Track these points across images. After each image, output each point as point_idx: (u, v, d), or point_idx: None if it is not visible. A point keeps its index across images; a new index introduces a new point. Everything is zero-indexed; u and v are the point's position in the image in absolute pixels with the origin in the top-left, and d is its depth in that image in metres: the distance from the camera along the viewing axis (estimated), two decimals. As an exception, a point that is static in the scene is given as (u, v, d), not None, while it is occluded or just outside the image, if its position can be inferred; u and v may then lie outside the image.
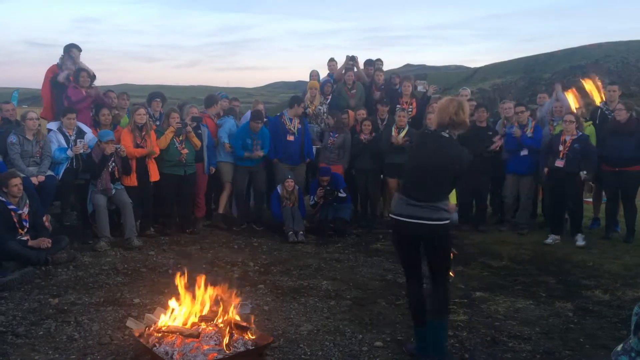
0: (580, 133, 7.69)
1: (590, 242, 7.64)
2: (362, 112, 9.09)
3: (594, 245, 7.62)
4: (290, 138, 8.67)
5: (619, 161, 7.64)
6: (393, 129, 8.57)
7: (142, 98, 10.29)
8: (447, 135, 3.92)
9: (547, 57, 48.98)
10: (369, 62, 10.60)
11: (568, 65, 43.07)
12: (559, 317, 4.95)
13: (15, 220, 6.08)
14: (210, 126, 8.57)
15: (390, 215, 4.19)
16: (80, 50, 8.63)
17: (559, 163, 7.65)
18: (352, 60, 10.40)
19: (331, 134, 8.95)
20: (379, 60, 10.78)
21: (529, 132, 8.31)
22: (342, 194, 8.25)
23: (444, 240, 3.96)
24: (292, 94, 10.46)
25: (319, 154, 9.09)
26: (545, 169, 7.90)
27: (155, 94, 8.94)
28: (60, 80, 8.36)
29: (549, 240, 7.78)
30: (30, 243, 6.07)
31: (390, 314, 4.95)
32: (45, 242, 6.12)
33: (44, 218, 6.50)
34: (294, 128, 8.69)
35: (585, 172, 7.51)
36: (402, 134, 8.48)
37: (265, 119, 8.73)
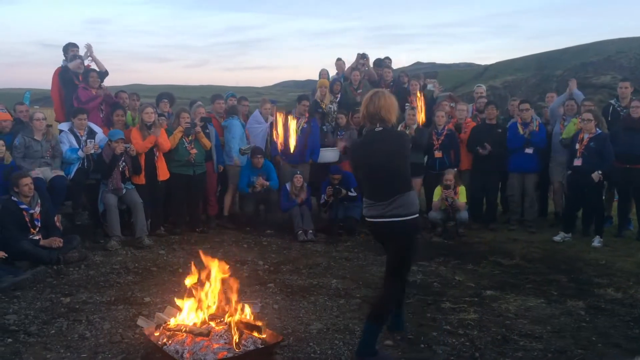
0: (599, 131, 7.52)
1: (602, 240, 7.57)
2: None
3: (606, 243, 7.54)
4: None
5: (631, 158, 7.55)
6: (400, 126, 8.52)
7: (152, 98, 10.36)
8: (380, 129, 3.89)
9: (559, 53, 48.69)
10: (378, 63, 10.58)
11: (579, 62, 42.77)
12: (571, 316, 4.90)
13: (27, 219, 6.13)
14: (216, 126, 8.60)
15: None
16: (77, 47, 8.71)
17: (577, 162, 7.56)
18: (363, 58, 10.37)
19: (339, 132, 8.95)
20: (387, 58, 10.77)
21: (534, 130, 8.28)
22: (353, 193, 8.23)
23: (394, 239, 3.90)
24: (302, 92, 10.47)
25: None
26: (569, 172, 7.80)
27: (163, 95, 8.99)
28: (71, 67, 8.42)
29: (557, 238, 7.73)
30: (42, 242, 6.12)
31: (400, 312, 4.93)
32: (57, 242, 6.17)
33: (55, 218, 6.54)
34: (299, 128, 8.67)
35: (600, 172, 7.39)
36: (409, 132, 8.43)
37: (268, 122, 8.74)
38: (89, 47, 8.68)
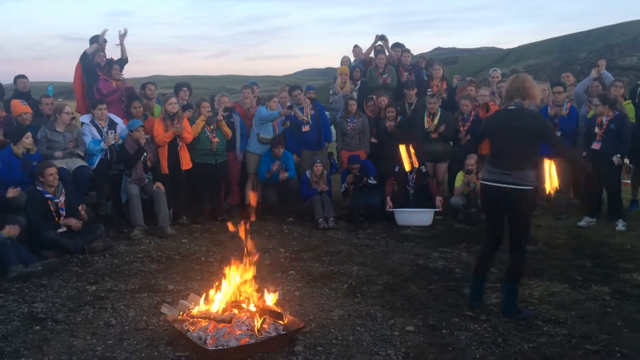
0: (617, 112, 7.39)
1: (628, 224, 7.43)
2: (384, 99, 8.97)
3: (632, 227, 7.40)
4: (306, 129, 8.64)
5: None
6: (425, 116, 8.45)
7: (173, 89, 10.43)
8: (513, 107, 4.42)
9: (583, 36, 47.69)
10: (396, 45, 10.49)
11: (604, 44, 41.84)
12: (596, 301, 4.83)
13: (52, 208, 6.25)
14: (241, 114, 8.64)
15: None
16: (105, 41, 8.81)
17: (595, 145, 7.42)
18: (381, 39, 10.25)
19: (349, 119, 8.86)
20: (402, 45, 10.65)
21: (564, 113, 8.13)
22: (372, 181, 8.21)
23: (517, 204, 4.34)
24: (322, 80, 10.46)
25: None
26: (584, 153, 7.65)
27: (182, 84, 9.06)
28: (88, 52, 8.52)
29: (582, 223, 7.61)
30: (61, 222, 6.28)
31: (421, 298, 4.92)
32: (73, 222, 6.33)
33: (80, 208, 6.64)
34: (307, 116, 8.65)
35: (618, 156, 7.25)
36: (435, 121, 8.37)
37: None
38: (124, 32, 8.86)
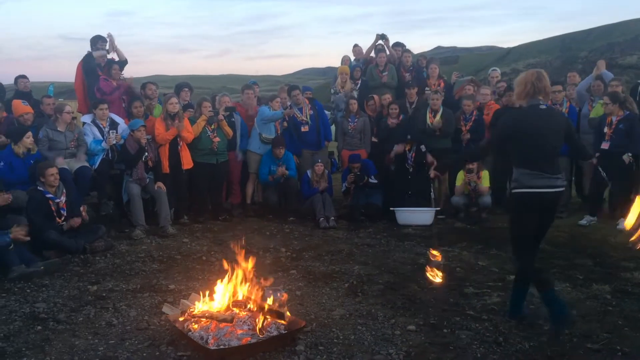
0: (628, 112, 7.38)
1: (630, 224, 7.42)
2: (388, 97, 8.98)
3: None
4: (305, 129, 8.66)
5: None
6: (427, 112, 8.46)
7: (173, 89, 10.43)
8: (544, 106, 4.12)
9: (584, 34, 47.65)
10: (397, 44, 10.50)
11: (605, 43, 41.80)
12: (597, 300, 4.84)
13: (53, 209, 6.26)
14: (242, 114, 8.65)
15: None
16: (106, 42, 8.79)
17: (604, 145, 7.42)
18: (382, 38, 10.26)
19: (350, 119, 8.87)
20: (403, 44, 10.66)
21: (564, 112, 8.13)
22: (373, 180, 8.22)
23: (555, 207, 4.27)
24: (322, 80, 10.47)
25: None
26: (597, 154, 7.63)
27: (183, 84, 9.06)
28: (95, 56, 8.51)
29: (583, 222, 7.62)
30: (65, 227, 6.27)
31: (422, 297, 4.92)
32: (75, 221, 6.32)
33: (81, 208, 6.65)
34: (307, 117, 8.66)
35: (629, 154, 7.25)
36: (437, 117, 8.38)
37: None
38: (110, 38, 8.74)
